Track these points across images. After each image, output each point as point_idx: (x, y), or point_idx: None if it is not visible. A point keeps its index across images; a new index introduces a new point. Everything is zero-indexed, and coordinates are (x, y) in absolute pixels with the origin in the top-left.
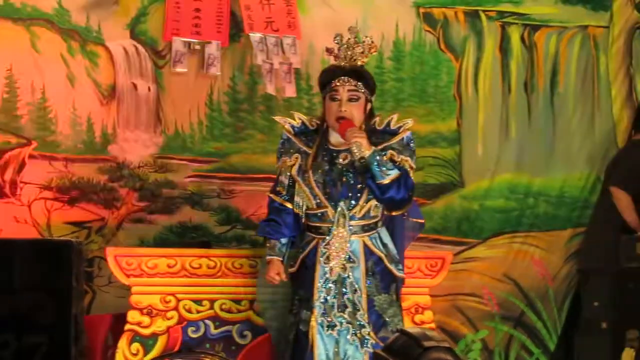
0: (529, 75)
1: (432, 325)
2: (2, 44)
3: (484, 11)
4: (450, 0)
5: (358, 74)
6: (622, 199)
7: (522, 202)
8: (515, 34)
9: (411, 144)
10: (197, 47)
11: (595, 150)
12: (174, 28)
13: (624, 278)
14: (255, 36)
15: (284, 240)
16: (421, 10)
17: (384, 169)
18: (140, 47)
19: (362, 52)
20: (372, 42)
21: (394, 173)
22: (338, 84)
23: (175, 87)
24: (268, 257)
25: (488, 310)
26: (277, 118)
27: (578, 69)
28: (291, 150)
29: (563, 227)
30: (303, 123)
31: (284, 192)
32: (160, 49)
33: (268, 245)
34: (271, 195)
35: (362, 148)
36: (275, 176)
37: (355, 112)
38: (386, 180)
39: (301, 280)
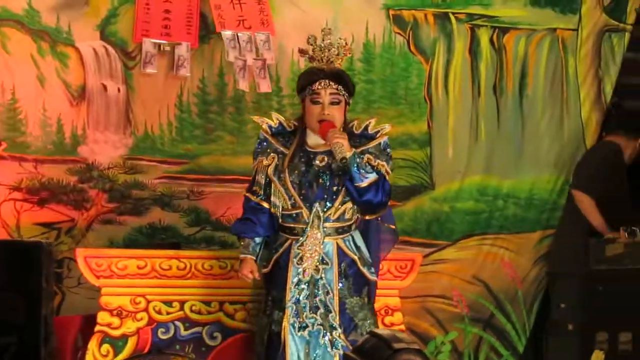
0: (498, 77)
1: (402, 327)
2: None
3: (453, 13)
4: (420, 2)
5: (339, 77)
6: (584, 202)
7: (492, 204)
8: (484, 37)
9: (388, 150)
10: (167, 48)
11: (564, 153)
12: (143, 29)
13: (593, 280)
14: (226, 34)
15: (258, 240)
16: (391, 12)
17: (363, 171)
18: (110, 48)
19: (337, 54)
20: (346, 44)
21: (373, 176)
22: (320, 87)
23: (145, 89)
24: (242, 256)
25: (458, 312)
26: (255, 118)
27: (547, 71)
28: (268, 150)
29: (532, 229)
30: (280, 124)
31: (261, 192)
32: (130, 50)
33: (242, 243)
34: (247, 194)
35: (344, 149)
36: (250, 176)
37: (337, 115)
38: (364, 183)
39: (274, 280)
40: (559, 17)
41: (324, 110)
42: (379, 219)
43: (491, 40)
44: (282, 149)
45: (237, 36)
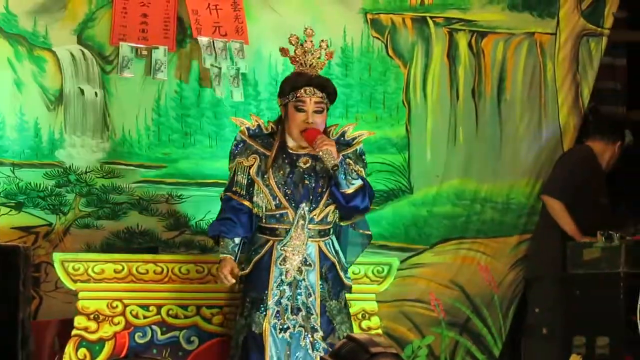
0: (476, 81)
1: (379, 331)
2: None
3: (431, 17)
4: (398, 6)
5: (325, 86)
6: (554, 208)
7: (469, 208)
8: (462, 41)
9: (363, 156)
10: (145, 52)
11: (541, 157)
12: (120, 33)
13: (570, 285)
14: (203, 40)
15: (237, 240)
16: (369, 16)
17: (350, 177)
18: (87, 52)
19: (319, 58)
20: (327, 47)
21: (358, 183)
22: (305, 94)
23: (123, 92)
24: (221, 255)
25: (434, 316)
26: (233, 119)
27: (525, 75)
28: (247, 151)
29: (509, 233)
30: (259, 126)
31: (242, 192)
32: (107, 54)
33: (221, 243)
34: (228, 193)
35: (334, 156)
36: (227, 178)
37: (319, 123)
38: (350, 190)
39: (253, 282)
40: (537, 21)
41: (308, 119)
42: (353, 225)
43: (469, 45)
44: (262, 150)
45: (213, 43)
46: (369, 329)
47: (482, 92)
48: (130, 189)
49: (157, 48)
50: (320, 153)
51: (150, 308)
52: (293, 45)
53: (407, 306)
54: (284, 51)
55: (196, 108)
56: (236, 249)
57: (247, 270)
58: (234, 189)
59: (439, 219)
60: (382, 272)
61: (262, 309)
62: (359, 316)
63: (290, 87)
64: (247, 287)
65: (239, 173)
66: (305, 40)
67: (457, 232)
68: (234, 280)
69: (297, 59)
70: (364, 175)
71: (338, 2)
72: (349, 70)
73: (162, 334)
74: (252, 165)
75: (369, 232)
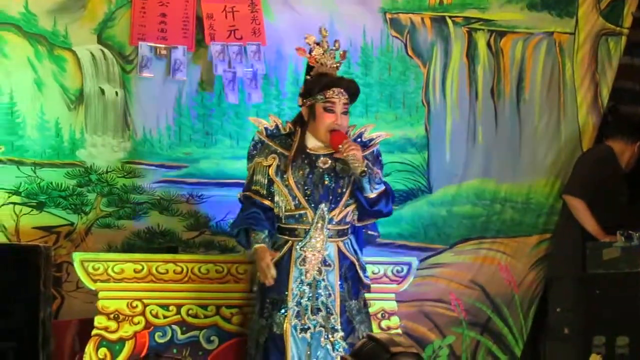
0: (495, 81)
1: (399, 330)
2: None
3: (450, 17)
4: (417, 5)
5: (351, 87)
6: (576, 207)
7: (489, 208)
8: (481, 40)
9: (380, 158)
10: (164, 52)
11: (561, 157)
12: (139, 33)
13: (590, 284)
14: (215, 46)
15: (266, 232)
16: (388, 15)
17: (374, 182)
18: (107, 51)
19: (335, 58)
20: (344, 50)
21: (381, 187)
22: (335, 95)
23: (143, 92)
24: (256, 246)
25: (455, 316)
26: (252, 119)
27: (544, 75)
28: (266, 151)
29: (529, 233)
30: (277, 126)
31: (263, 191)
32: (127, 53)
33: (252, 235)
34: (247, 193)
35: (360, 161)
36: (246, 179)
37: (345, 125)
38: (373, 194)
39: (273, 283)
40: (556, 20)
41: (337, 120)
42: (365, 227)
43: (488, 44)
44: (281, 150)
45: (227, 48)
46: (389, 328)
47: (501, 91)
48: (151, 188)
49: (176, 48)
50: (347, 158)
51: (170, 308)
52: (310, 45)
53: (427, 306)
54: (301, 51)
55: (217, 107)
56: (267, 240)
57: None
58: (253, 188)
59: (459, 219)
60: (401, 272)
61: (283, 309)
62: (379, 316)
63: (319, 88)
64: (266, 287)
65: (258, 173)
66: (322, 40)
67: (477, 232)
68: (274, 272)
69: (317, 59)
70: (382, 177)
71: (357, 2)
72: (368, 69)
73: (182, 333)
74: (271, 165)
75: (377, 234)
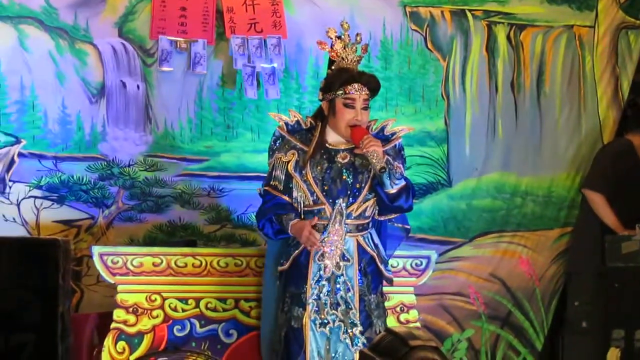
0: (515, 74)
1: (418, 324)
2: None
3: (470, 10)
4: None
5: (372, 82)
6: (595, 201)
7: (510, 202)
8: (501, 34)
9: (402, 152)
10: (184, 45)
11: (581, 150)
12: (160, 27)
13: (609, 278)
14: (236, 40)
15: (294, 214)
16: (408, 9)
17: (394, 178)
18: (128, 45)
19: (356, 52)
20: (366, 44)
21: (401, 183)
22: (355, 91)
23: (165, 86)
24: (291, 223)
25: (474, 309)
26: (272, 114)
27: (564, 68)
28: (286, 147)
29: (550, 226)
30: (297, 121)
31: (281, 187)
32: (148, 47)
33: (284, 217)
34: (266, 188)
35: (381, 157)
36: (266, 173)
37: (366, 120)
38: (394, 190)
39: (293, 277)
40: (576, 13)
41: (357, 116)
42: (391, 219)
43: (508, 37)
44: (301, 145)
45: (247, 41)
46: (408, 322)
47: (521, 85)
48: (173, 182)
49: (196, 41)
50: (367, 154)
51: (189, 301)
52: (331, 38)
53: (446, 299)
54: (322, 45)
55: (238, 101)
56: (299, 218)
57: (286, 266)
58: (272, 183)
59: (479, 212)
60: (420, 265)
61: (301, 304)
62: (398, 309)
63: (340, 83)
64: (286, 282)
65: (277, 168)
66: (343, 34)
67: (497, 226)
68: (318, 235)
69: (338, 53)
70: (403, 171)
71: None
72: (388, 63)
73: (200, 327)
74: (291, 160)
75: (408, 227)
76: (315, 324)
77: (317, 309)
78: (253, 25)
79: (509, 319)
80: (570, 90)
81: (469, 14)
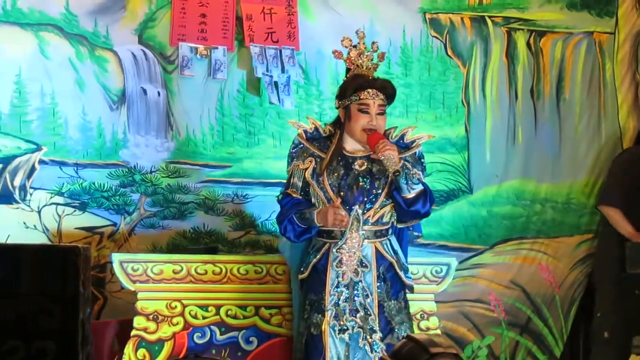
0: (535, 81)
1: (438, 331)
2: (10, 49)
3: (490, 17)
4: (456, 5)
5: (387, 88)
6: (611, 215)
7: (529, 209)
8: (521, 40)
9: (422, 160)
10: (204, 52)
11: (601, 157)
12: (180, 34)
13: (630, 285)
14: (255, 49)
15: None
16: (427, 15)
17: (411, 182)
18: (148, 52)
19: (372, 60)
20: (383, 52)
21: (419, 187)
22: (369, 97)
23: (185, 92)
24: (315, 212)
25: (495, 316)
26: (291, 122)
27: (584, 75)
28: (304, 154)
29: (570, 233)
30: (316, 128)
31: (298, 194)
32: (169, 54)
33: (306, 213)
34: (286, 192)
35: (396, 161)
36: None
37: (382, 125)
38: (411, 195)
39: (312, 284)
40: (596, 20)
41: (372, 121)
42: (411, 227)
43: (528, 44)
44: (318, 153)
45: (265, 51)
46: (428, 329)
47: (541, 91)
48: (196, 188)
49: (217, 48)
50: (382, 158)
51: (209, 308)
52: (347, 47)
53: (467, 306)
54: (337, 53)
55: (259, 107)
56: None
57: (305, 274)
58: (290, 190)
59: (499, 219)
60: (440, 273)
61: (321, 310)
62: (418, 316)
63: (352, 89)
64: (307, 290)
65: (295, 176)
66: (358, 42)
67: (517, 232)
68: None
69: (353, 61)
70: (423, 178)
71: (397, 2)
72: (408, 69)
73: (221, 334)
74: (308, 168)
75: (418, 234)
76: (334, 330)
77: (336, 315)
78: (270, 34)
79: (528, 326)
80: (590, 97)
81: (488, 21)
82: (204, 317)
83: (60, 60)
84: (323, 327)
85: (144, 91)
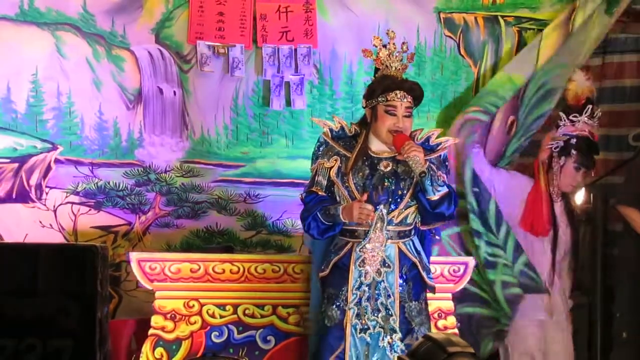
0: None
1: (455, 330)
2: (28, 48)
3: (502, 16)
4: (470, 5)
5: (415, 90)
6: (630, 215)
7: None
8: (531, 40)
9: (447, 163)
10: (222, 50)
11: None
12: (197, 32)
13: None
14: (267, 49)
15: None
16: (442, 15)
17: (436, 184)
18: (165, 51)
19: (401, 61)
20: (412, 52)
21: (444, 190)
22: (397, 98)
23: (201, 92)
24: (340, 207)
25: None
26: (316, 120)
27: None
28: (330, 153)
29: None
30: (342, 127)
31: (322, 192)
32: (185, 53)
33: (331, 209)
34: (309, 190)
35: (421, 163)
36: (306, 179)
37: (408, 127)
38: (436, 197)
39: (332, 280)
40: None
41: (398, 123)
42: (433, 231)
43: None
44: (344, 152)
45: (278, 51)
46: (445, 328)
47: None
48: (210, 188)
49: (234, 46)
50: (408, 159)
51: (227, 307)
52: (377, 47)
53: None
54: (367, 52)
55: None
56: None
57: (326, 272)
58: (313, 188)
59: None
60: (458, 272)
61: (337, 303)
62: (435, 315)
63: (381, 90)
64: (325, 283)
65: (319, 174)
66: (389, 42)
67: None
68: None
69: (382, 61)
70: (446, 181)
71: (412, 2)
72: (421, 69)
73: (238, 333)
74: (333, 166)
75: (438, 238)
76: (355, 329)
77: (358, 314)
78: (285, 33)
79: None
80: None
81: (501, 20)
82: (221, 316)
83: (77, 59)
84: (346, 328)
85: (160, 90)
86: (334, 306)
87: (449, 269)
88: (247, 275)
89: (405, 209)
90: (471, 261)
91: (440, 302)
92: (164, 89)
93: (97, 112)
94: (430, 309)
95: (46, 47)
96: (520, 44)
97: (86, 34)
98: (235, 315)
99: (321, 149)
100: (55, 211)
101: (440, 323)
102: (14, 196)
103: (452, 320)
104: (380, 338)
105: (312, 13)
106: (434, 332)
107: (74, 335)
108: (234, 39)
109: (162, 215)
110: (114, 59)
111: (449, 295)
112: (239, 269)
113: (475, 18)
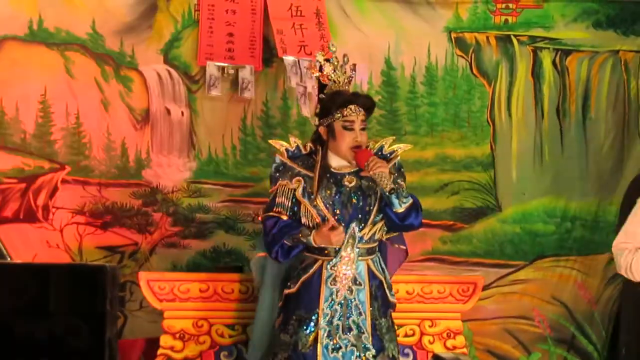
0: (561, 99)
1: (464, 350)
2: (36, 68)
3: (515, 36)
4: (482, 24)
5: (369, 104)
6: None
7: (560, 226)
8: (547, 59)
9: (402, 169)
10: (231, 71)
11: (627, 175)
12: (207, 53)
13: None
14: (288, 59)
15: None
16: (453, 34)
17: (402, 197)
18: (173, 72)
19: (345, 73)
20: (354, 63)
21: (409, 201)
22: (353, 113)
23: (209, 112)
24: (311, 234)
25: (540, 332)
26: (272, 141)
27: (609, 93)
28: (289, 174)
29: (600, 251)
30: (297, 147)
31: (285, 213)
32: (193, 73)
33: (299, 236)
34: (271, 213)
35: (388, 178)
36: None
37: (365, 141)
38: (402, 209)
39: (301, 301)
40: (622, 39)
41: (357, 137)
42: (390, 240)
43: (554, 63)
44: (305, 172)
45: (299, 62)
46: (454, 348)
47: (567, 110)
48: (217, 208)
49: (244, 67)
50: (374, 176)
51: (236, 327)
52: (320, 62)
53: (510, 323)
54: (313, 69)
55: (282, 127)
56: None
57: (294, 289)
58: (275, 210)
59: (533, 236)
60: (467, 291)
61: (310, 327)
62: (444, 335)
63: (336, 106)
64: (293, 305)
65: (281, 195)
66: (331, 58)
67: (551, 250)
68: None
69: (329, 77)
70: (405, 188)
71: (422, 21)
72: (433, 89)
73: (247, 352)
74: (298, 187)
75: (405, 248)
76: (327, 349)
77: (329, 333)
78: (303, 47)
79: (574, 343)
80: (615, 116)
81: (514, 40)
82: (230, 336)
83: (85, 79)
84: (317, 348)
85: (168, 111)
86: (307, 331)
87: (457, 288)
88: (256, 294)
89: (373, 225)
90: (479, 280)
91: (448, 322)
92: (171, 110)
93: (105, 133)
94: (439, 328)
95: (55, 67)
96: (536, 63)
97: (95, 54)
98: (244, 335)
99: (280, 169)
100: (61, 231)
101: (450, 343)
102: (21, 216)
103: (461, 339)
104: (354, 357)
105: (325, 31)
106: (443, 352)
107: (83, 355)
108: (244, 60)
109: (169, 236)
110: (122, 79)
111: (458, 315)
112: (247, 288)
113: (487, 37)
